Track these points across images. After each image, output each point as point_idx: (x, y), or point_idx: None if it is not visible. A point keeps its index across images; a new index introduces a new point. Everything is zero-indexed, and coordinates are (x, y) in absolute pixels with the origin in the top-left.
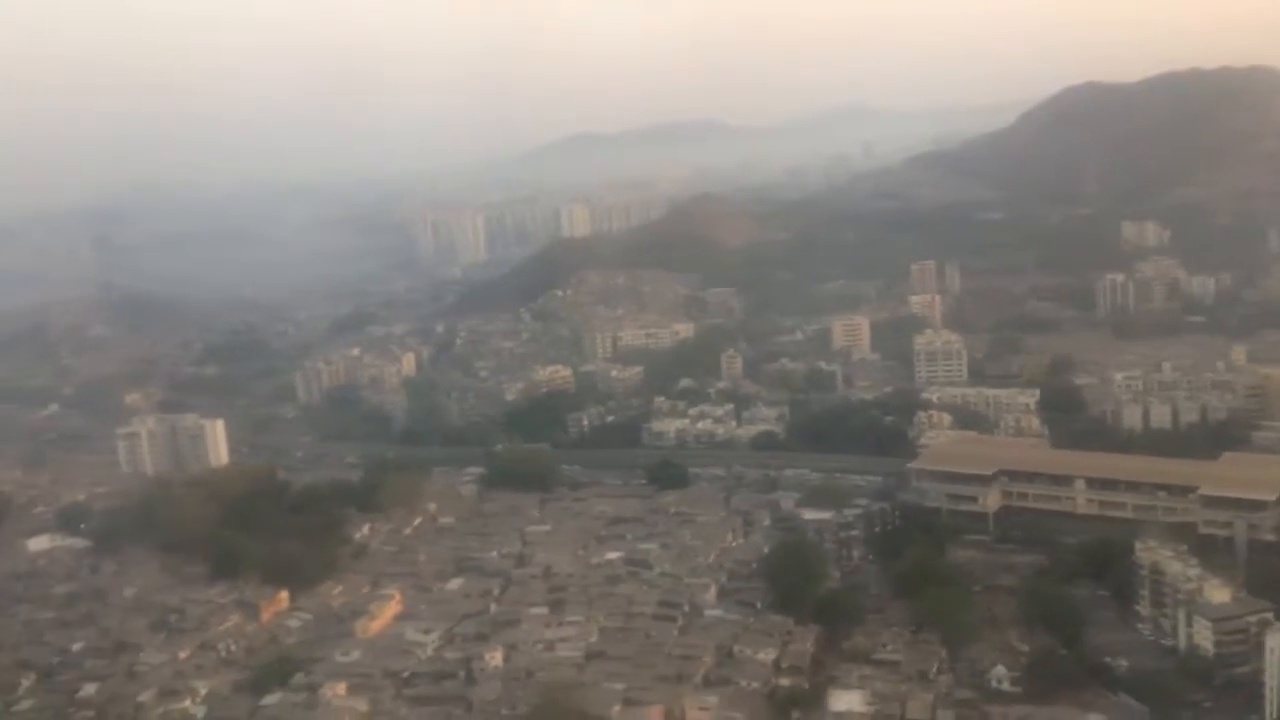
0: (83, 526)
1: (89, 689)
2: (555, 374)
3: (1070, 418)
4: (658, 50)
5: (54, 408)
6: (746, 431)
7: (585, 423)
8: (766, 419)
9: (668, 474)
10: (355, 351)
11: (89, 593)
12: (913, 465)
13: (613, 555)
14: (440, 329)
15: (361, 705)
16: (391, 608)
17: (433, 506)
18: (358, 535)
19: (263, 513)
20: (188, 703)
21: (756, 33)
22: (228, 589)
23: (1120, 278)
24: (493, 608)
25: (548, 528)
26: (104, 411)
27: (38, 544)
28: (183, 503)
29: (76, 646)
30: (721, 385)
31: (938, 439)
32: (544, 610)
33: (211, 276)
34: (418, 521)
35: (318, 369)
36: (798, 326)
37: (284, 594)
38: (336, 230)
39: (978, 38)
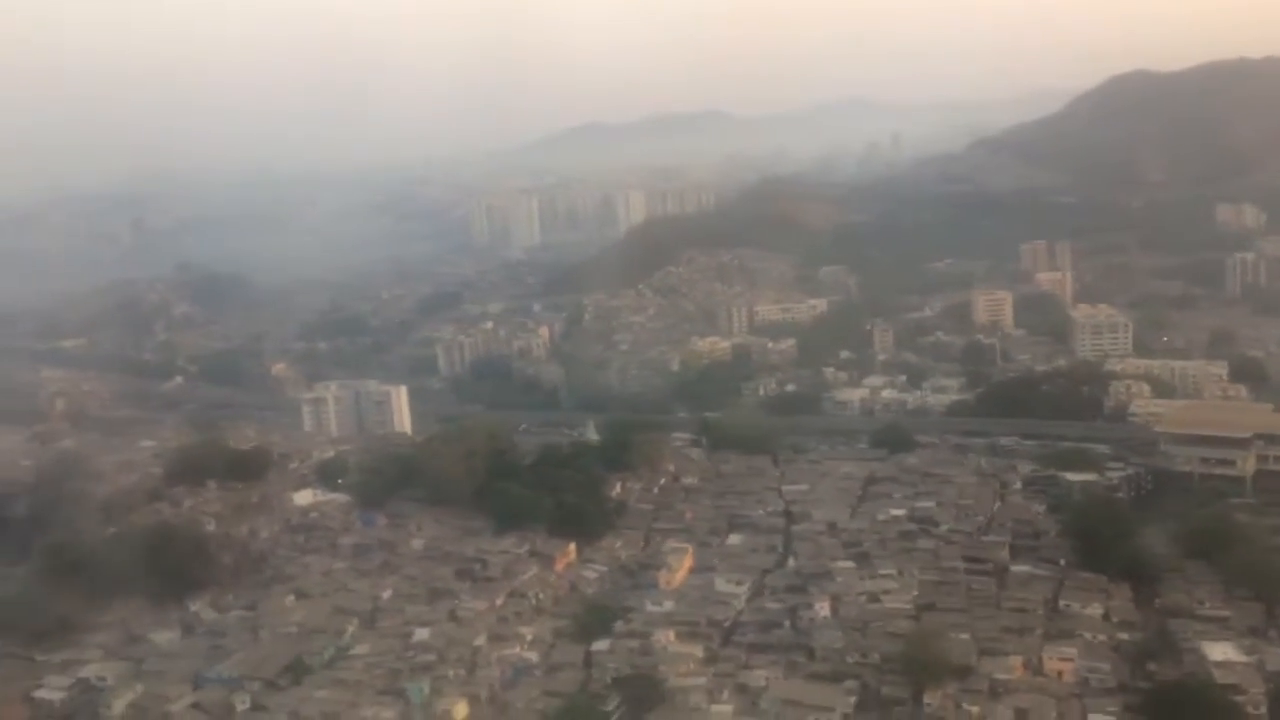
0: (340, 481)
1: (421, 633)
2: (714, 345)
3: (1262, 387)
4: (661, 41)
5: (179, 380)
6: (938, 400)
7: (761, 392)
8: (948, 389)
9: (894, 438)
10: (489, 325)
11: (377, 544)
12: (1160, 430)
13: (896, 512)
14: (537, 307)
15: (697, 651)
16: (686, 561)
17: (671, 467)
18: (613, 494)
19: (525, 469)
20: (518, 648)
21: (759, 25)
22: (517, 540)
23: (1250, 256)
24: (791, 562)
25: (804, 487)
26: (237, 383)
27: (302, 498)
28: (443, 457)
29: (386, 594)
30: (882, 357)
31: (1156, 407)
32: (850, 564)
33: (262, 259)
34: (662, 482)
35: (459, 341)
36: (923, 303)
37: (572, 546)
38: (372, 215)
39: (976, 32)
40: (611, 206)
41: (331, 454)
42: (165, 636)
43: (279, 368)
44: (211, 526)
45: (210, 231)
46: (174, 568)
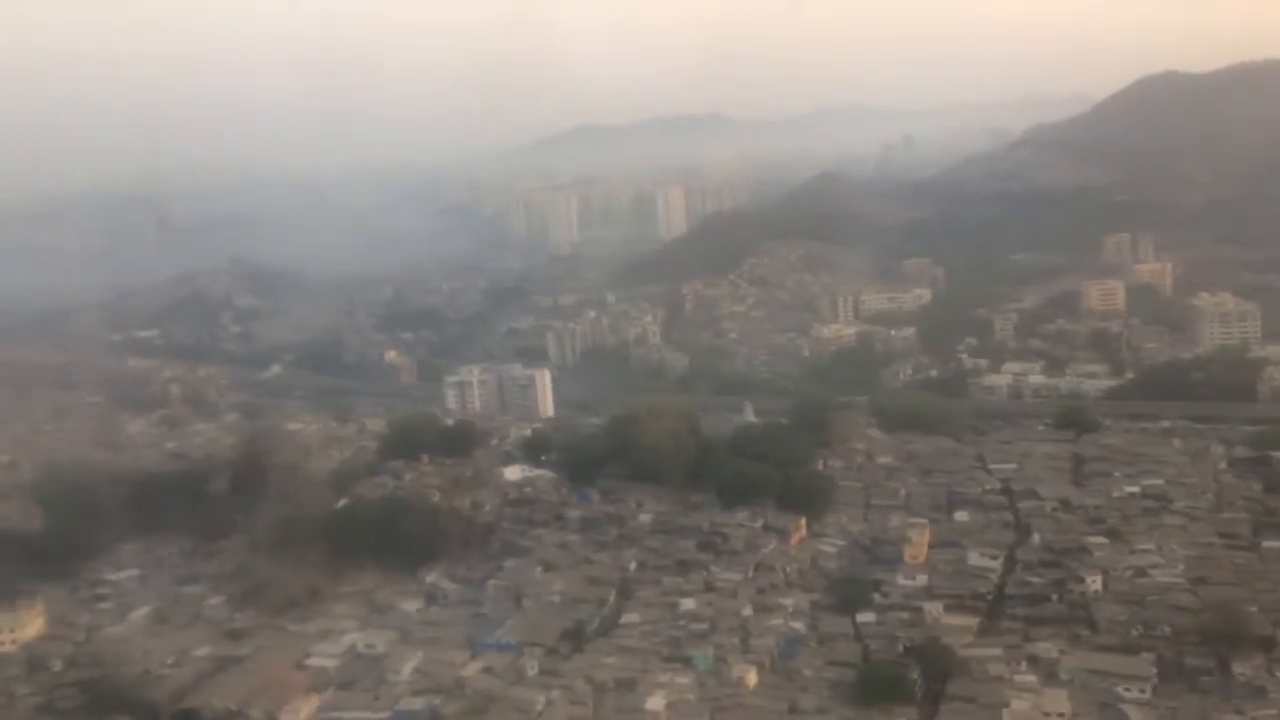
0: (543, 458)
1: (687, 603)
2: (839, 332)
3: None
4: (658, 44)
5: (276, 368)
6: (1093, 385)
7: (901, 377)
8: (1096, 374)
9: (1076, 420)
10: (592, 314)
11: (604, 517)
12: None
13: (1131, 489)
14: (611, 298)
15: (970, 623)
16: (925, 536)
17: (861, 446)
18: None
19: (729, 447)
20: (782, 619)
21: (757, 29)
22: (750, 515)
23: None
24: (1036, 537)
25: (1013, 466)
26: (337, 371)
27: (511, 473)
28: (651, 435)
29: (632, 566)
30: (1010, 344)
31: None
32: (1102, 539)
33: (299, 255)
34: (859, 461)
35: (570, 329)
36: (1019, 294)
37: (803, 521)
38: (393, 213)
39: (970, 39)
40: (649, 203)
41: (528, 432)
42: (413, 606)
43: (391, 355)
44: (436, 499)
45: (235, 229)
46: (406, 539)
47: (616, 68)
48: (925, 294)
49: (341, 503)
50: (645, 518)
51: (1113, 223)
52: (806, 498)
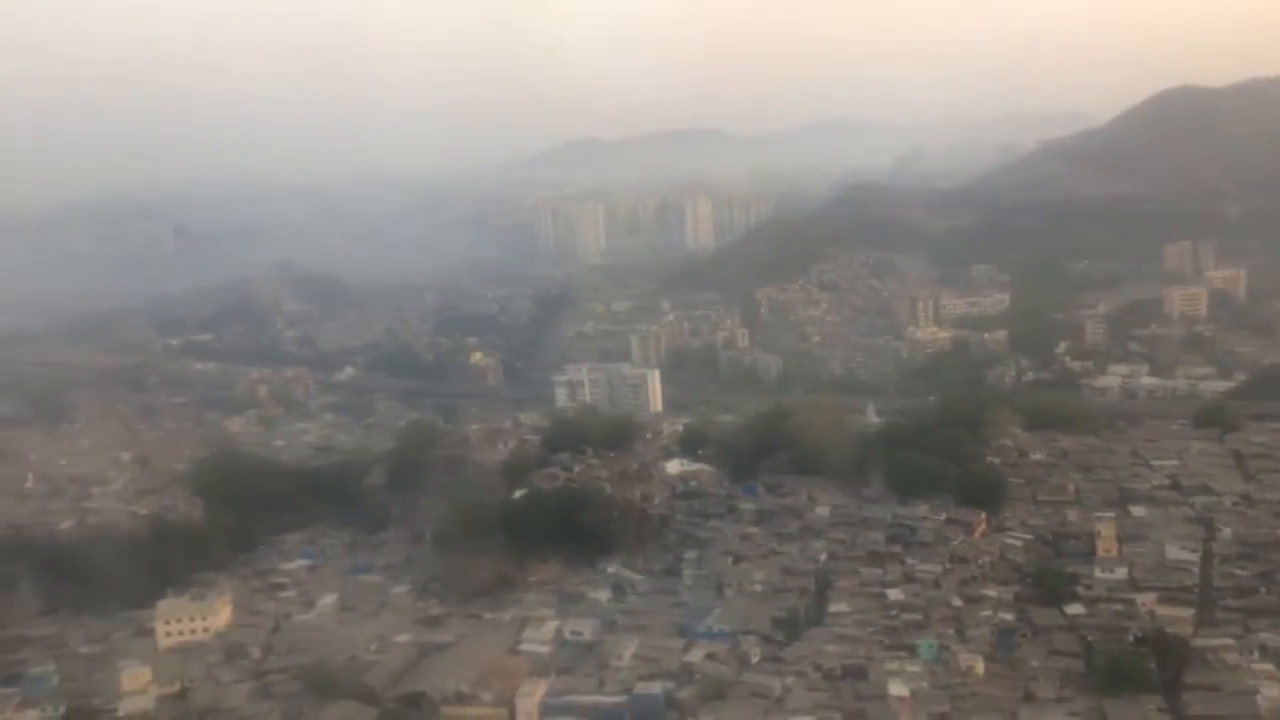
0: (700, 451)
1: (894, 594)
2: (934, 334)
3: None
4: (654, 59)
5: (349, 370)
6: (1207, 386)
7: (1007, 379)
8: (1207, 376)
9: (1218, 418)
10: (670, 318)
11: (779, 510)
12: None
13: None
14: (666, 305)
15: (1185, 614)
16: (1113, 530)
17: (1010, 442)
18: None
19: (886, 441)
20: (990, 611)
21: (752, 45)
22: (931, 508)
23: None
24: (1226, 531)
25: (1174, 462)
26: (412, 373)
27: (672, 467)
28: (812, 429)
29: (823, 557)
30: (1105, 348)
31: None
32: None
33: (328, 264)
34: (1013, 457)
35: (654, 332)
36: (1094, 299)
37: (983, 515)
38: (408, 222)
39: (963, 55)
40: (675, 214)
41: (679, 427)
42: (602, 595)
43: (477, 356)
44: (609, 492)
45: (249, 238)
46: (586, 530)
47: (613, 82)
48: (1004, 299)
49: (519, 494)
50: (822, 510)
51: (1156, 232)
52: (982, 492)
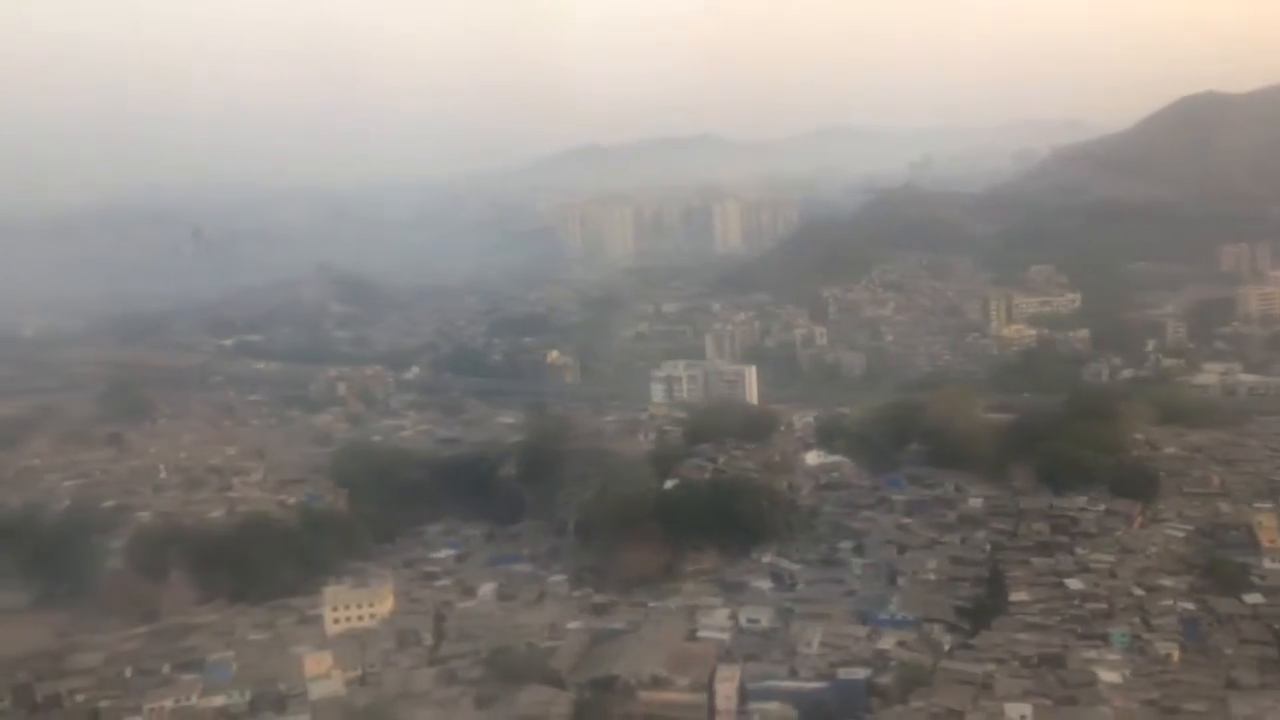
0: (835, 442)
1: (1074, 583)
2: (1020, 333)
3: None
4: (651, 65)
5: (415, 370)
6: None
7: (1102, 376)
8: None
9: None
10: (741, 317)
11: (931, 501)
12: None
13: None
14: (717, 306)
15: None
16: (1273, 520)
17: (1142, 436)
18: None
19: (1021, 433)
20: (1170, 600)
21: (752, 49)
22: (1088, 500)
23: None
24: None
25: None
26: (480, 371)
27: (811, 459)
28: (953, 421)
29: (987, 547)
30: (1190, 345)
31: None
32: None
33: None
34: (1148, 450)
35: (729, 331)
36: (1159, 299)
37: (1139, 506)
38: (424, 227)
39: (956, 62)
40: (703, 217)
41: (809, 418)
42: (763, 584)
43: (554, 355)
44: (757, 482)
45: (271, 242)
46: (738, 519)
47: (611, 89)
48: (1075, 299)
49: (670, 484)
50: (975, 502)
51: (1199, 235)
52: (1135, 484)
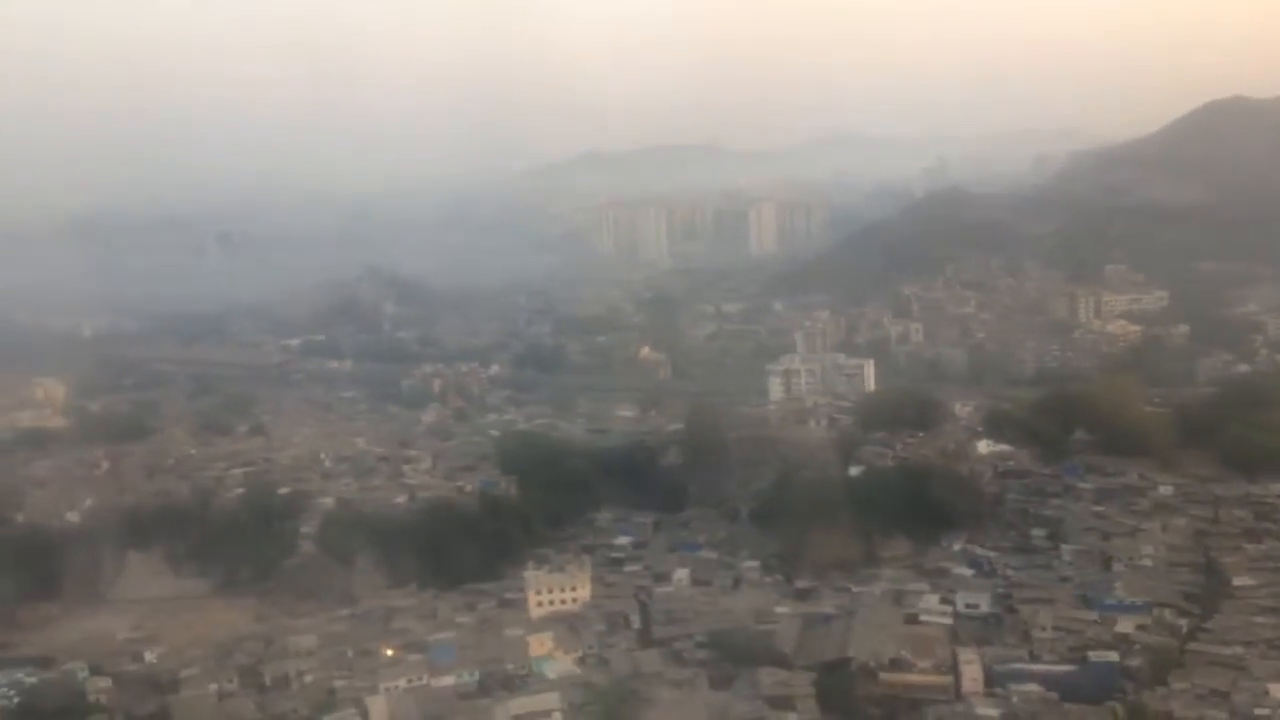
0: (1002, 432)
1: None
2: (1125, 328)
3: None
4: (651, 72)
5: (495, 368)
6: None
7: (1217, 370)
8: None
9: None
10: (824, 315)
11: (1120, 489)
12: None
13: None
14: (779, 305)
15: None
16: None
17: None
18: None
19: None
20: None
21: (744, 59)
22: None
23: None
24: None
25: None
26: (561, 368)
27: (983, 447)
28: (1124, 409)
29: (1181, 540)
30: None
31: None
32: None
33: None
34: None
35: (818, 328)
36: (1241, 297)
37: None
38: (443, 230)
39: (958, 69)
40: (735, 220)
41: (970, 408)
42: (963, 571)
43: (645, 351)
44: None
45: (298, 246)
46: (927, 506)
47: (611, 97)
48: (1163, 296)
49: (855, 470)
50: (1165, 490)
51: (1253, 235)
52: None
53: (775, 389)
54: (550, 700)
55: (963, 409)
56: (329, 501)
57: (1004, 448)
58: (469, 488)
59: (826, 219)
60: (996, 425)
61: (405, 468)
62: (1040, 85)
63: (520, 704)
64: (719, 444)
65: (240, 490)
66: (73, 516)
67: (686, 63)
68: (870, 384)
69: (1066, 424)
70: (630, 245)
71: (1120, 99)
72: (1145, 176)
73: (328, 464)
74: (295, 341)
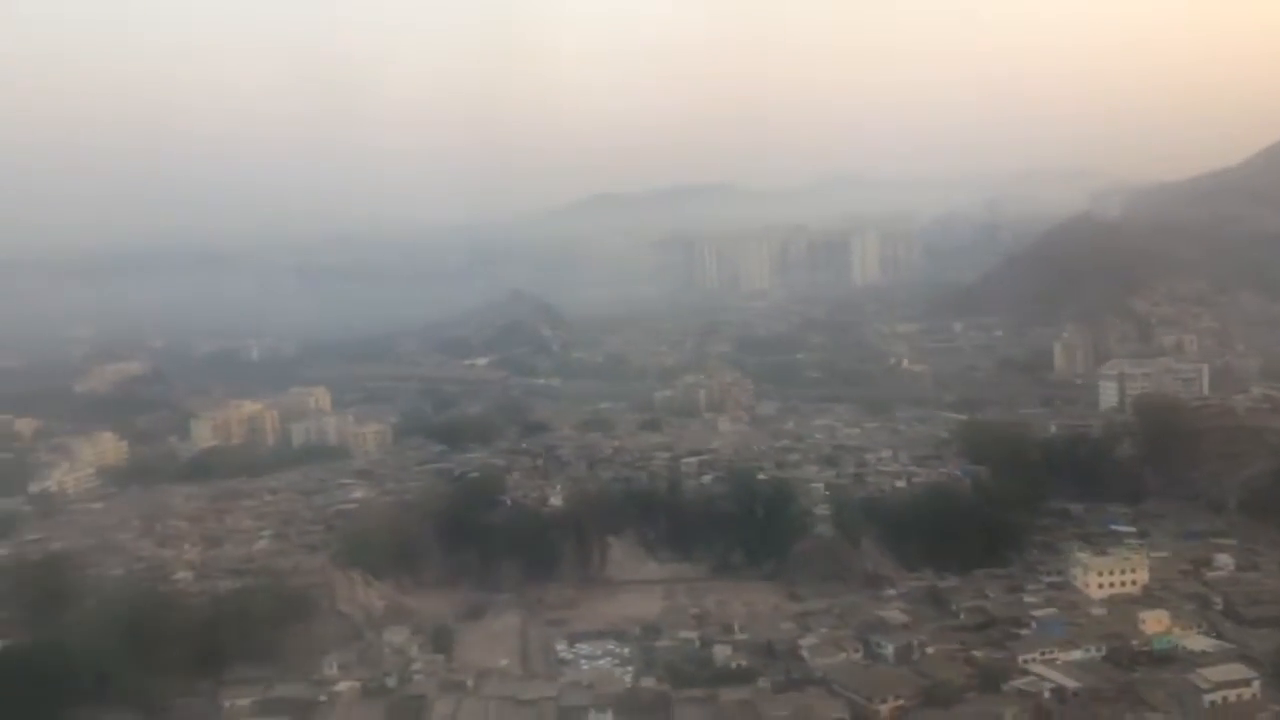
0: None
1: None
2: None
3: None
4: (668, 113)
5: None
6: None
7: None
8: None
9: None
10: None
11: None
12: None
13: None
14: (958, 326)
15: None
16: None
17: None
18: None
19: None
20: None
21: (762, 99)
22: None
23: None
24: None
25: None
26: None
27: None
28: None
29: None
30: None
31: None
32: None
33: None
34: None
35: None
36: None
37: None
38: (495, 267)
39: (959, 110)
40: (834, 250)
41: None
42: None
43: (905, 363)
44: None
45: (365, 279)
46: None
47: (618, 137)
48: None
49: None
50: None
51: None
52: None
53: (1108, 393)
54: (1237, 670)
55: None
56: (819, 487)
57: None
58: (955, 475)
59: (917, 250)
60: None
61: (868, 456)
62: (1049, 127)
63: (1210, 674)
64: (1174, 436)
65: (709, 477)
66: (555, 501)
67: (693, 103)
68: (1206, 387)
69: None
70: (733, 276)
71: (1133, 139)
72: (1250, 205)
73: (795, 454)
74: (483, 361)
